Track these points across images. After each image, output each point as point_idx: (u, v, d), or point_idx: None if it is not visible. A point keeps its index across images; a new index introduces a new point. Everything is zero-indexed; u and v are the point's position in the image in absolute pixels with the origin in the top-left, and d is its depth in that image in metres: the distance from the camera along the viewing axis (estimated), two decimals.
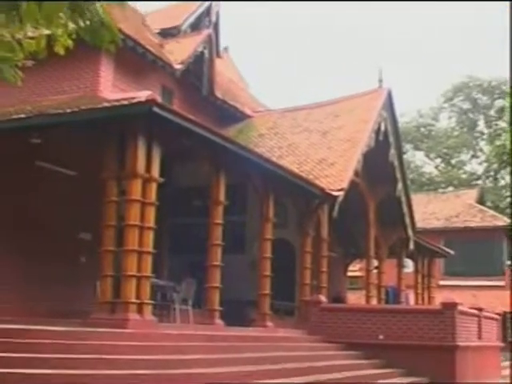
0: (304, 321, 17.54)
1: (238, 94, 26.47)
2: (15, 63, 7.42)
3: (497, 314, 24.00)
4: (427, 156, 62.69)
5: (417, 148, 62.37)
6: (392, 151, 21.88)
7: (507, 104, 37.15)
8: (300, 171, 18.83)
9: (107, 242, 12.01)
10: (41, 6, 5.81)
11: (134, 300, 11.69)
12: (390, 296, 27.04)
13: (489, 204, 47.37)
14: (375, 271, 23.38)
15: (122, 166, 12.14)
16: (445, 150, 60.95)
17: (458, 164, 61.87)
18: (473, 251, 36.09)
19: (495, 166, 50.59)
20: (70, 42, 7.05)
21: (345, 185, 18.68)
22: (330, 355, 15.35)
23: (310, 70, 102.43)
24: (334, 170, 19.38)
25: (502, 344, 23.60)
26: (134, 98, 12.02)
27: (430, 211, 40.44)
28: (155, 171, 12.31)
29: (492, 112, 59.88)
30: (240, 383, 10.66)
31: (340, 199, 18.41)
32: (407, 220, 23.38)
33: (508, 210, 44.36)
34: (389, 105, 21.98)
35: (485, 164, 59.34)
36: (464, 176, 60.13)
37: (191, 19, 24.43)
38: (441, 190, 54.29)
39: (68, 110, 12.81)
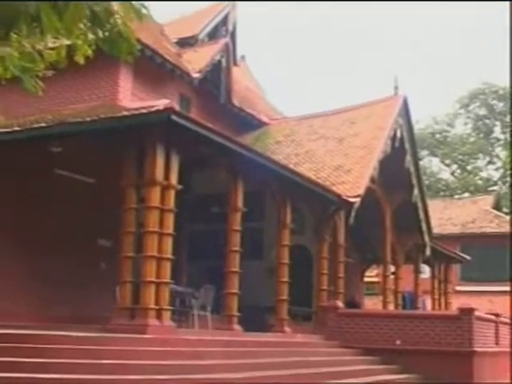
0: (321, 326, 17.57)
1: (255, 102, 26.58)
2: (36, 73, 7.51)
3: None
4: (442, 162, 62.51)
5: (433, 154, 62.21)
6: (408, 157, 21.92)
7: None
8: (317, 178, 18.92)
9: (127, 248, 12.14)
10: (61, 17, 5.93)
11: (153, 306, 11.79)
12: (407, 301, 27.01)
13: (505, 210, 47.13)
14: (392, 277, 23.37)
15: (141, 173, 12.27)
16: (460, 156, 60.78)
17: (474, 170, 61.64)
18: (489, 257, 35.97)
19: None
20: (89, 52, 7.15)
21: (361, 191, 18.75)
22: (348, 360, 15.38)
23: (324, 77, 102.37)
24: (351, 176, 19.45)
25: None
26: (152, 106, 12.14)
27: (447, 217, 40.38)
28: (174, 178, 12.42)
29: (508, 118, 59.62)
30: None
31: (356, 205, 18.47)
32: (424, 226, 23.36)
33: None
34: (404, 112, 22.03)
35: (501, 170, 59.09)
36: (480, 182, 59.89)
37: (208, 28, 24.62)
38: (457, 196, 54.15)
39: (88, 119, 12.96)
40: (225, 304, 14.30)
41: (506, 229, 37.69)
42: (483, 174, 61.81)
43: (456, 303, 23.13)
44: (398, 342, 16.55)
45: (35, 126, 13.83)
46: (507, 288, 34.74)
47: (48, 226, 15.29)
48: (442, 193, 56.72)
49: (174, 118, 11.80)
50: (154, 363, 10.13)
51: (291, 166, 18.16)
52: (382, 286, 23.00)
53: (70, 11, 5.93)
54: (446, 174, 62.99)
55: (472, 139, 61.46)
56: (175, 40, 22.90)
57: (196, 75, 20.45)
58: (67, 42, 6.97)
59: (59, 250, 15.21)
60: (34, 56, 7.23)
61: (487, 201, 42.64)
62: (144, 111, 12.19)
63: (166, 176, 12.28)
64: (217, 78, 21.74)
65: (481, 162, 62.34)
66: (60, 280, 15.02)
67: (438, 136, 62.19)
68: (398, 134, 21.28)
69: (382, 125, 21.08)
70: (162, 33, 22.51)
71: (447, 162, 62.48)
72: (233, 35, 25.93)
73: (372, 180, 19.88)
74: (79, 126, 13.18)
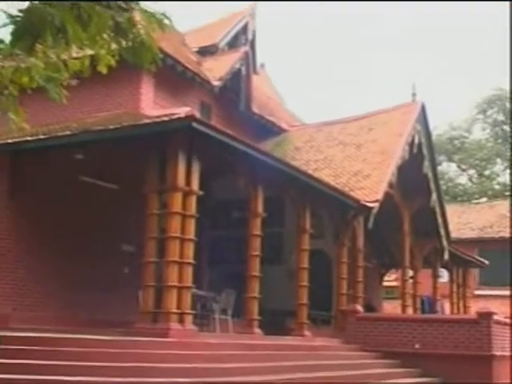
0: (341, 330, 17.65)
1: (275, 109, 26.70)
2: (60, 82, 7.67)
3: None
4: (460, 167, 62.31)
5: (450, 160, 62.00)
6: (426, 163, 22.01)
7: None
8: (336, 183, 19.03)
9: (149, 253, 12.31)
10: (86, 28, 6.10)
11: (175, 310, 11.96)
12: (426, 305, 26.96)
13: None
14: (411, 281, 23.43)
15: (163, 179, 12.44)
16: (478, 162, 60.54)
17: (492, 175, 61.38)
18: (507, 261, 35.83)
19: None
20: (112, 61, 7.30)
21: (379, 196, 18.86)
22: (367, 364, 15.41)
23: (343, 86, 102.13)
24: (369, 182, 19.58)
25: None
26: (173, 114, 12.29)
27: (464, 221, 40.30)
28: (195, 184, 12.60)
29: None
30: None
31: (375, 210, 18.59)
32: (442, 230, 23.41)
33: None
34: (422, 118, 22.14)
35: None
36: (497, 187, 59.57)
37: (228, 37, 24.77)
38: (474, 201, 53.89)
39: (111, 127, 13.15)
40: (245, 308, 14.43)
41: None
42: (500, 179, 61.46)
43: (475, 307, 23.17)
44: (416, 346, 16.59)
45: (60, 134, 14.06)
46: None
47: (73, 232, 15.48)
48: (459, 198, 56.46)
49: (195, 125, 11.97)
50: (176, 366, 10.29)
51: (310, 172, 18.30)
52: (400, 290, 23.07)
53: (94, 22, 6.15)
54: (463, 180, 62.79)
55: (490, 144, 61.24)
56: (196, 49, 23.10)
57: (216, 83, 20.63)
58: (91, 52, 7.16)
59: (85, 256, 15.46)
60: (59, 65, 7.39)
61: (504, 206, 42.44)
62: (166, 119, 12.34)
63: (188, 182, 12.45)
64: (237, 86, 21.89)
65: (498, 168, 62.01)
66: (85, 284, 15.24)
67: (455, 142, 62.02)
68: (416, 140, 21.40)
69: (399, 131, 21.19)
70: (183, 42, 22.67)
71: (465, 167, 62.29)
72: (252, 44, 26.04)
73: (390, 185, 19.98)
74: (103, 133, 13.41)
